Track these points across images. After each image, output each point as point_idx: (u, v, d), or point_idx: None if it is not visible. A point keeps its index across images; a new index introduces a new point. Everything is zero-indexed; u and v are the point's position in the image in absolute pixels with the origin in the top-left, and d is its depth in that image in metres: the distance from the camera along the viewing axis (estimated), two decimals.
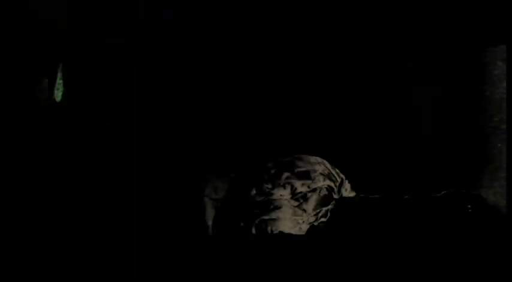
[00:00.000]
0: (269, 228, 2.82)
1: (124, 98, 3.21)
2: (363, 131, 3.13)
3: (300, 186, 2.92)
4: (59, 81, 3.21)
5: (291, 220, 2.85)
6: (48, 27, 3.20)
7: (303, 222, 2.87)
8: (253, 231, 2.82)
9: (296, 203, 2.89)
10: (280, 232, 2.83)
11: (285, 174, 2.94)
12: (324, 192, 2.94)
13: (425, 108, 3.14)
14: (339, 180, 3.01)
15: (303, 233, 2.86)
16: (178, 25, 3.24)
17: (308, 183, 2.93)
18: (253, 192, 2.90)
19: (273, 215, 2.84)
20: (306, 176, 2.95)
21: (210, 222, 2.85)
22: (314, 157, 3.04)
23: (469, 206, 2.83)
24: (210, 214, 2.87)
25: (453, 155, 3.12)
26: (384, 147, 3.13)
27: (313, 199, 2.90)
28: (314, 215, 2.89)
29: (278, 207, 2.86)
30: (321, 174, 2.97)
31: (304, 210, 2.88)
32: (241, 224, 2.84)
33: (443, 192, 2.90)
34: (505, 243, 2.85)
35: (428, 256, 2.86)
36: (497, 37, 3.07)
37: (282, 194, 2.90)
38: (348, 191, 3.02)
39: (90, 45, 3.24)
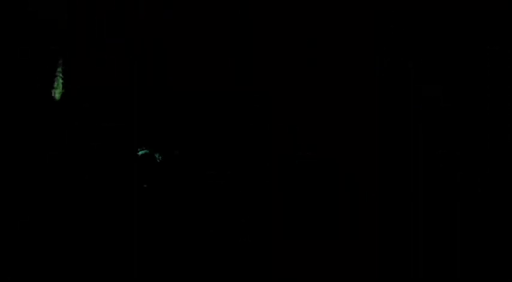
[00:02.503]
0: None
1: (124, 98, 3.22)
2: (363, 131, 3.14)
3: None
4: (59, 81, 3.21)
5: None
6: (48, 27, 3.20)
7: None
8: None
9: None
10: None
11: None
12: None
13: (425, 108, 3.14)
14: None
15: None
16: (178, 25, 3.24)
17: None
18: None
19: None
20: None
21: None
22: None
23: None
24: None
25: (453, 155, 3.12)
26: (384, 147, 3.14)
27: None
28: None
29: None
30: None
31: None
32: None
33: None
34: (505, 243, 2.85)
35: (428, 255, 2.86)
36: (497, 37, 3.08)
37: None
38: None
39: (90, 45, 3.24)
